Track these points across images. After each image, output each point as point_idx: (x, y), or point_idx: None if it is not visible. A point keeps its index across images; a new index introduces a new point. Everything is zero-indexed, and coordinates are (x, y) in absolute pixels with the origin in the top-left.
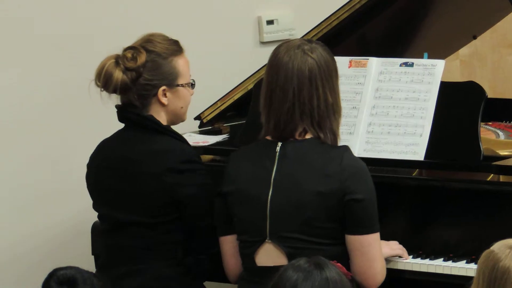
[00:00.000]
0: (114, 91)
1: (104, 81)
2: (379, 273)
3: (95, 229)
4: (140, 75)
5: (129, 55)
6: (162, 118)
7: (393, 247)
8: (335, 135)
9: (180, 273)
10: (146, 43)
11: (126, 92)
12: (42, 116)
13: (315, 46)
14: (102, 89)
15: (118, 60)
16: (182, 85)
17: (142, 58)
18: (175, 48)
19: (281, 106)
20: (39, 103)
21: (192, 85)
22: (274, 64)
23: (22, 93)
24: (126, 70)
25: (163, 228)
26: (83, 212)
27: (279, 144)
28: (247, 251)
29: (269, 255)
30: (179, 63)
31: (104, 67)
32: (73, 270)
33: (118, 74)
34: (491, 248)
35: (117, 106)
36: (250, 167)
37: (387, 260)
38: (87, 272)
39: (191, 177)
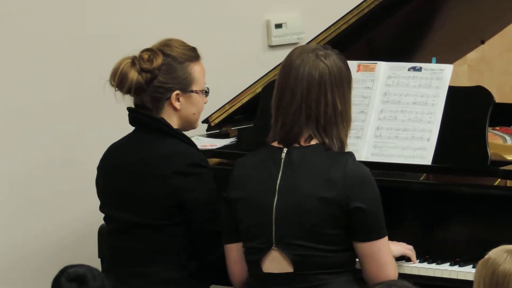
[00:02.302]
0: (128, 92)
1: (119, 80)
2: (392, 276)
3: (102, 231)
4: (155, 77)
5: (145, 56)
6: (173, 122)
7: (404, 246)
8: (342, 143)
9: (185, 277)
10: (164, 47)
11: (139, 94)
12: (51, 117)
13: (329, 53)
14: (117, 89)
15: (134, 60)
16: (196, 92)
17: (158, 60)
18: (192, 54)
19: (289, 106)
20: (49, 104)
21: (206, 93)
22: (287, 66)
23: (33, 94)
24: (141, 71)
25: (168, 231)
26: (90, 214)
27: (285, 150)
28: (254, 258)
29: (275, 262)
30: (195, 69)
31: (120, 67)
32: (83, 267)
33: (133, 75)
34: (486, 256)
35: (128, 109)
36: (255, 174)
37: None
38: (97, 270)
39: (196, 180)
